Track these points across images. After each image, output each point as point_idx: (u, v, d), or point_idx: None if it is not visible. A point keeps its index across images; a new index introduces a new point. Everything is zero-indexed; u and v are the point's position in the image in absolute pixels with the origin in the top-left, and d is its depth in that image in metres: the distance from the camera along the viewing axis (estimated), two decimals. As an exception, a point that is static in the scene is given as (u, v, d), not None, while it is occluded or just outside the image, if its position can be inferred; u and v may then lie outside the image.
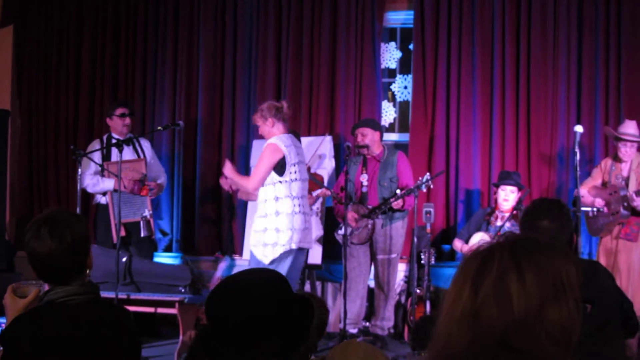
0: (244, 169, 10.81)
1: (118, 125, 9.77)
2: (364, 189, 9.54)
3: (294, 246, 8.21)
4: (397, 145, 10.91)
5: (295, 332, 2.86)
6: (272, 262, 8.21)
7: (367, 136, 9.47)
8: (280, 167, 8.20)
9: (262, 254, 8.27)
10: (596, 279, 4.82)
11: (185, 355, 4.06)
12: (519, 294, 2.07)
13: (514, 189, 9.28)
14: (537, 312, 2.07)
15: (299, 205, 8.30)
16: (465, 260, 2.25)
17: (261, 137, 10.24)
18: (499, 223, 9.24)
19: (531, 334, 2.06)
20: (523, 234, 4.73)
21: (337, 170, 10.30)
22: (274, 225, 8.21)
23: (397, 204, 9.24)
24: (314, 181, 9.44)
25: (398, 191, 9.24)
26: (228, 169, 8.47)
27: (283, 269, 8.11)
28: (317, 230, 9.81)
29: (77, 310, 3.78)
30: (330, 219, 10.13)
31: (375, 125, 9.77)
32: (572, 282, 2.14)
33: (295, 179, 8.29)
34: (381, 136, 9.74)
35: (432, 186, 9.53)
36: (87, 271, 3.90)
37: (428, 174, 9.36)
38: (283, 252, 8.18)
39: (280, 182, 8.23)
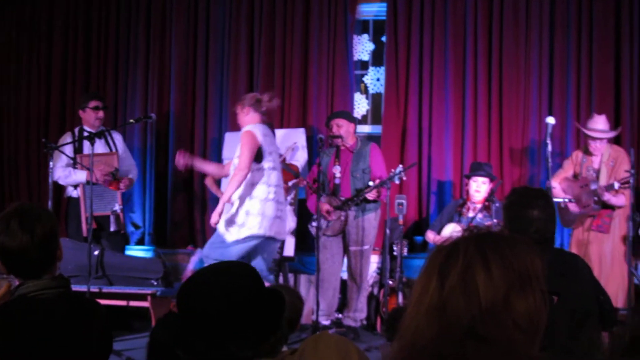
0: (217, 161, 10.82)
1: (91, 118, 9.72)
2: (337, 181, 9.52)
3: (260, 232, 8.28)
4: (370, 137, 10.91)
5: (266, 324, 2.86)
6: (234, 242, 8.29)
7: (342, 127, 9.48)
8: (258, 154, 8.29)
9: (225, 230, 8.35)
10: (576, 272, 4.84)
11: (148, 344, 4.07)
12: (485, 284, 2.11)
13: (486, 180, 9.32)
14: (503, 302, 2.10)
15: (274, 193, 8.39)
16: (431, 253, 2.28)
17: (233, 130, 10.34)
18: (470, 214, 9.27)
19: (498, 324, 2.09)
20: (510, 224, 4.73)
21: (310, 162, 10.30)
22: (246, 208, 8.31)
23: (370, 195, 9.26)
24: (289, 171, 9.48)
25: (371, 183, 9.26)
26: (215, 219, 8.53)
27: (240, 251, 8.28)
28: (290, 222, 9.83)
29: (49, 304, 3.78)
30: (304, 211, 10.14)
31: (350, 117, 9.80)
32: (538, 272, 2.18)
33: (273, 168, 8.42)
34: (355, 128, 9.74)
35: (404, 178, 9.53)
36: (57, 264, 3.89)
37: (401, 166, 9.40)
38: (247, 236, 8.25)
39: (258, 169, 8.32)
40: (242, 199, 8.35)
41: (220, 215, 8.44)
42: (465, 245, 2.19)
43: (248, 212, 8.30)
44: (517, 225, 4.60)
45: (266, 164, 8.39)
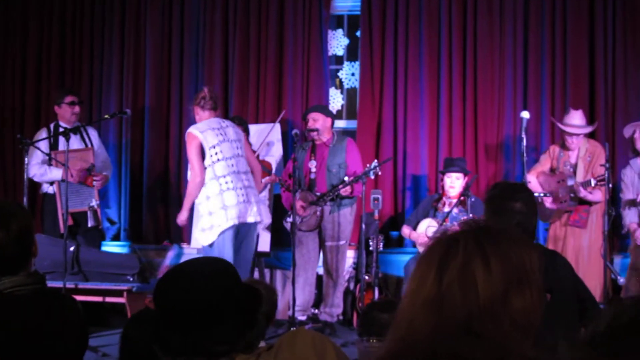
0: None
1: (67, 114, 9.69)
2: (312, 175, 9.52)
3: (230, 223, 8.33)
4: (345, 132, 10.95)
5: (242, 320, 2.86)
6: (213, 245, 8.36)
7: (318, 121, 9.47)
8: (201, 153, 8.40)
9: (203, 240, 8.45)
10: (554, 269, 4.84)
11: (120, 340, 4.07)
12: (484, 280, 2.09)
13: (460, 175, 9.33)
14: (501, 299, 2.09)
15: (227, 182, 8.43)
16: (429, 246, 2.25)
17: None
18: (446, 209, 9.29)
19: (495, 320, 2.08)
20: (492, 216, 4.71)
21: (285, 157, 10.30)
22: (207, 210, 8.39)
23: (345, 190, 9.25)
24: (262, 169, 9.44)
25: (346, 178, 9.26)
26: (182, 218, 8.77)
27: (228, 250, 8.32)
28: (265, 217, 9.82)
29: (25, 301, 3.77)
30: (279, 207, 10.14)
31: (327, 111, 9.81)
32: (535, 269, 2.16)
33: (218, 160, 8.45)
34: (332, 123, 9.74)
35: (379, 173, 9.52)
36: (32, 260, 3.88)
37: (376, 161, 9.39)
38: (221, 233, 8.30)
39: (205, 167, 8.41)
40: (202, 203, 8.48)
41: (186, 216, 8.72)
42: (465, 240, 2.17)
43: (210, 212, 8.39)
44: (499, 218, 4.58)
45: (208, 160, 8.45)
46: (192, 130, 8.52)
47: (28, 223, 3.82)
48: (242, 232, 8.56)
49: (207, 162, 8.42)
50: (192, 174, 8.56)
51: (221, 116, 9.92)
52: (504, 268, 2.11)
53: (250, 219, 8.57)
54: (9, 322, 3.68)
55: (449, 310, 2.09)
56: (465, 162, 9.70)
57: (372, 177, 9.37)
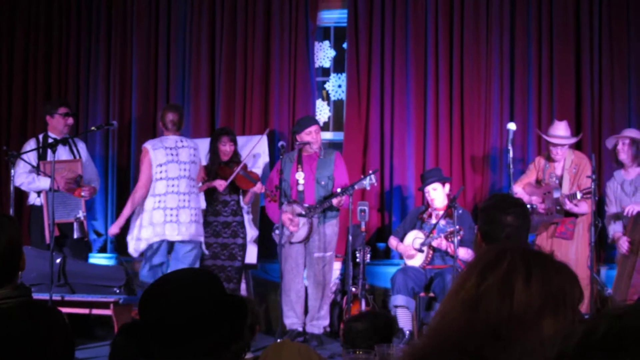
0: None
1: (59, 124, 9.70)
2: (300, 187, 9.52)
3: (156, 239, 8.94)
4: (332, 144, 10.98)
5: (227, 332, 2.87)
6: (142, 256, 9.14)
7: (312, 134, 9.46)
8: (151, 168, 9.04)
9: (131, 248, 9.14)
10: None
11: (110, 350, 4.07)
12: (521, 291, 2.16)
13: (436, 185, 9.38)
14: (535, 314, 2.15)
15: (160, 201, 9.00)
16: (478, 254, 2.42)
17: (195, 136, 10.43)
18: (433, 221, 9.31)
19: (524, 332, 2.13)
20: (484, 226, 4.75)
21: (270, 168, 10.30)
22: (139, 222, 9.07)
23: (338, 202, 9.28)
24: (249, 179, 9.47)
25: (339, 189, 9.27)
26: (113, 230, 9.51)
27: (155, 261, 9.04)
28: (251, 230, 9.86)
29: (11, 313, 3.77)
30: (266, 219, 10.13)
31: (318, 123, 9.83)
32: (574, 301, 2.23)
33: (160, 178, 9.03)
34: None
35: (375, 184, 9.59)
36: (20, 273, 3.89)
37: (371, 172, 9.42)
38: (148, 246, 8.98)
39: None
40: (138, 215, 9.12)
41: (120, 227, 9.34)
42: (512, 254, 2.24)
43: (141, 225, 9.03)
44: (491, 228, 4.62)
45: (154, 175, 9.08)
46: (147, 145, 9.22)
47: (17, 237, 3.83)
48: (176, 249, 9.12)
49: (153, 177, 9.04)
50: (136, 186, 9.20)
51: (205, 129, 10.10)
52: (543, 287, 2.18)
53: (177, 238, 9.01)
54: (-5, 335, 3.68)
55: (483, 312, 2.16)
56: (441, 170, 9.71)
57: (368, 188, 9.45)
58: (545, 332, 2.13)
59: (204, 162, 9.75)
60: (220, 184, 9.37)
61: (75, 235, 9.48)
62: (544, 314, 2.15)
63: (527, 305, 2.15)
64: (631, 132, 9.01)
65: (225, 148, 9.51)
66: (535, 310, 2.15)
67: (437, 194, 9.36)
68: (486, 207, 4.85)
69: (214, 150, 9.54)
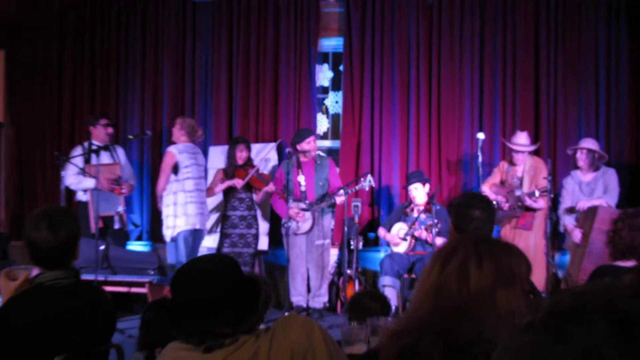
0: (204, 171, 10.83)
1: (101, 134, 9.74)
2: (302, 188, 9.55)
3: (189, 227, 9.23)
4: (330, 151, 10.96)
5: (244, 307, 2.88)
6: (172, 240, 9.32)
7: (311, 144, 9.50)
8: (175, 168, 9.26)
9: (167, 235, 9.36)
10: None
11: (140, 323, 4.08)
12: (475, 275, 2.25)
13: (417, 184, 9.43)
14: (489, 291, 2.23)
15: (192, 196, 9.30)
16: (438, 248, 2.50)
17: (216, 144, 10.39)
18: (415, 215, 9.32)
19: (481, 307, 2.21)
20: (455, 220, 4.77)
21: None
22: (173, 213, 9.26)
23: (340, 199, 9.39)
24: (262, 180, 9.50)
25: (342, 191, 9.32)
26: None
27: (185, 245, 9.23)
28: (263, 223, 9.89)
29: (63, 291, 3.78)
30: (274, 214, 10.14)
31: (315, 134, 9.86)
32: (522, 275, 2.31)
33: (188, 177, 9.32)
34: None
35: (374, 185, 9.68)
36: (73, 261, 3.91)
37: (370, 175, 9.46)
38: (179, 232, 9.21)
39: (176, 180, 9.31)
40: (169, 207, 9.34)
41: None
42: (465, 245, 2.33)
43: (176, 216, 9.26)
44: (461, 221, 4.63)
45: (181, 176, 9.30)
46: (172, 149, 9.42)
47: (75, 232, 3.85)
48: (196, 236, 9.37)
49: (180, 177, 9.28)
50: (157, 184, 9.55)
51: (224, 138, 10.18)
52: (494, 268, 2.26)
53: (202, 227, 9.47)
54: (50, 309, 3.70)
55: (446, 295, 2.25)
56: (422, 172, 9.73)
57: (367, 189, 9.53)
58: (500, 302, 2.21)
59: (222, 166, 9.79)
60: (239, 182, 9.41)
61: (116, 226, 9.53)
62: (497, 288, 2.23)
63: (482, 284, 2.23)
64: (588, 143, 9.05)
65: (242, 154, 9.53)
66: (489, 288, 2.23)
67: (418, 192, 9.39)
68: (457, 203, 4.86)
69: (231, 155, 9.55)
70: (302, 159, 9.58)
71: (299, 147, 9.48)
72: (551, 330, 0.87)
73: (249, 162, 9.62)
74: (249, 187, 9.53)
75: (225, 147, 10.23)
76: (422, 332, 2.19)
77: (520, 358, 0.88)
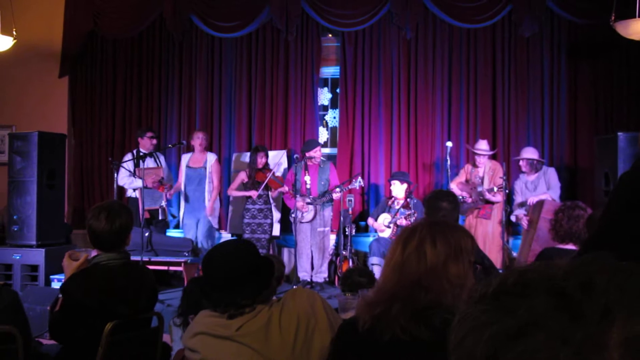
0: (227, 173, 10.83)
1: (147, 143, 9.82)
2: (308, 186, 9.58)
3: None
4: (329, 156, 10.94)
5: (261, 282, 2.88)
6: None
7: (318, 152, 9.57)
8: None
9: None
10: None
11: (182, 294, 4.06)
12: (431, 252, 2.26)
13: (395, 181, 9.44)
14: (442, 265, 2.24)
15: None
16: (400, 232, 2.46)
17: (239, 151, 10.40)
18: (396, 207, 9.33)
19: (436, 279, 2.22)
20: (427, 210, 4.83)
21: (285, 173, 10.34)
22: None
23: (337, 195, 9.41)
24: (278, 182, 9.55)
25: (338, 189, 9.35)
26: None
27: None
28: (276, 213, 9.90)
29: (115, 270, 3.79)
30: (285, 207, 10.17)
31: (319, 144, 9.89)
32: (469, 249, 2.32)
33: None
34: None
35: (363, 185, 9.68)
36: (125, 246, 3.92)
37: (360, 177, 9.52)
38: None
39: None
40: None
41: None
42: (422, 227, 2.34)
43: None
44: (432, 211, 4.68)
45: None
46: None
47: (128, 223, 3.87)
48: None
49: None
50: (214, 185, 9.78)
51: (244, 146, 10.27)
52: (445, 246, 2.27)
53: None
54: (105, 284, 3.70)
55: (407, 271, 2.25)
56: (405, 174, 9.72)
57: (357, 188, 9.56)
58: (452, 273, 2.23)
59: (243, 168, 9.83)
60: (254, 193, 9.53)
61: (160, 217, 9.56)
62: (448, 262, 2.25)
63: (436, 260, 2.24)
64: (527, 153, 9.09)
65: (262, 160, 9.55)
66: (442, 262, 2.24)
67: (396, 188, 9.41)
68: (429, 197, 4.94)
69: (253, 161, 9.56)
70: (309, 163, 9.59)
71: (307, 154, 9.51)
72: (500, 302, 0.86)
73: (266, 166, 9.64)
74: (266, 186, 9.54)
75: (245, 154, 10.26)
76: (390, 303, 2.19)
77: (474, 324, 0.87)
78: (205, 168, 9.82)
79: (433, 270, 2.22)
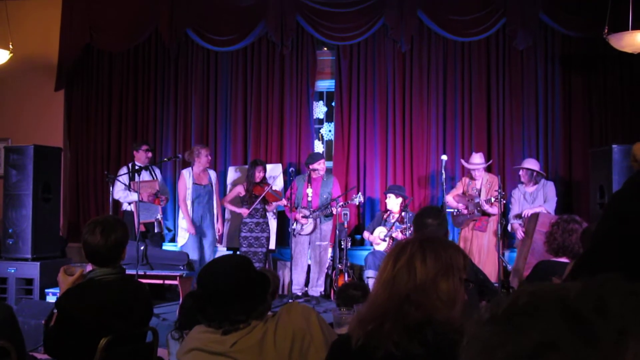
0: (223, 187, 10.82)
1: (142, 157, 9.79)
2: (309, 198, 9.63)
3: None
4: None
5: (256, 297, 2.87)
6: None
7: (321, 164, 9.64)
8: None
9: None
10: None
11: (179, 309, 4.06)
12: (420, 269, 2.24)
13: (391, 195, 9.48)
14: (432, 281, 2.22)
15: None
16: (391, 247, 2.44)
17: (234, 164, 10.41)
18: (392, 220, 9.33)
19: (427, 294, 2.21)
20: (415, 228, 4.89)
21: (285, 186, 10.32)
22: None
23: (335, 210, 9.44)
24: (275, 195, 9.57)
25: (336, 204, 9.39)
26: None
27: None
28: (273, 226, 9.90)
29: (110, 285, 3.79)
30: (281, 219, 10.18)
31: (323, 157, 9.92)
32: (460, 266, 2.29)
33: None
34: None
35: (362, 201, 9.67)
36: (120, 261, 3.91)
37: (360, 193, 9.56)
38: None
39: None
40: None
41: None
42: (412, 243, 2.32)
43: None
44: (419, 228, 4.78)
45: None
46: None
47: (124, 238, 3.87)
48: None
49: None
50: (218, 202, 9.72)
51: (240, 160, 10.27)
52: (436, 262, 2.25)
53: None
54: (100, 299, 3.69)
55: (398, 286, 2.24)
56: (401, 188, 9.75)
57: (357, 204, 9.60)
58: (442, 290, 2.21)
59: (238, 181, 9.85)
60: (244, 212, 9.56)
61: (156, 230, 9.58)
62: (438, 278, 2.23)
63: (426, 276, 2.22)
64: (528, 164, 9.13)
65: (259, 174, 9.54)
66: (432, 278, 2.22)
67: (391, 202, 9.44)
68: (416, 215, 5.03)
69: (251, 174, 9.55)
70: (313, 175, 9.63)
71: (311, 166, 9.58)
72: (511, 324, 0.86)
73: (264, 180, 9.63)
74: (263, 200, 9.54)
75: (241, 167, 10.26)
76: (382, 319, 2.18)
77: (485, 345, 0.86)
78: (212, 184, 9.80)
79: (423, 286, 2.21)
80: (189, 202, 9.65)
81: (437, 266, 2.25)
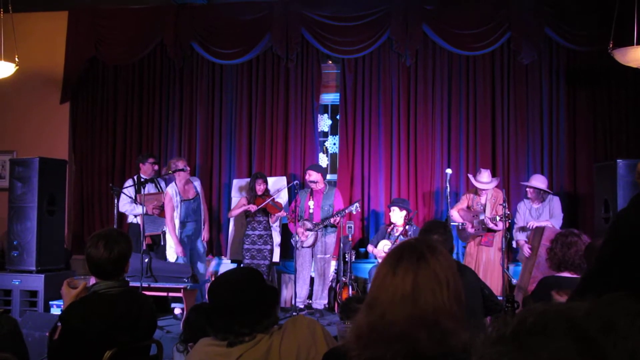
0: (227, 199, 10.82)
1: (148, 169, 9.81)
2: (311, 211, 9.66)
3: None
4: (329, 183, 10.95)
5: (261, 310, 2.87)
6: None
7: (312, 176, 9.59)
8: None
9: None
10: (463, 275, 4.86)
11: (184, 321, 4.04)
12: (411, 284, 2.07)
13: (395, 208, 9.49)
14: (424, 298, 2.05)
15: None
16: (387, 254, 2.25)
17: (239, 177, 10.41)
18: (396, 233, 9.32)
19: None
20: None
21: (289, 199, 10.33)
22: None
23: (335, 221, 9.50)
24: (276, 207, 9.55)
25: (335, 213, 9.40)
26: None
27: None
28: (276, 239, 9.89)
29: (114, 298, 3.78)
30: (285, 232, 10.17)
31: (318, 168, 9.88)
32: (449, 279, 2.12)
33: None
34: (324, 176, 9.83)
35: (359, 210, 9.67)
36: (124, 274, 3.91)
37: (357, 202, 9.53)
38: None
39: None
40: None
41: None
42: (408, 255, 2.16)
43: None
44: None
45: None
46: None
47: (127, 251, 3.86)
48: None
49: None
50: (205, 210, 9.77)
51: (245, 172, 10.28)
52: (427, 278, 2.09)
53: None
54: (104, 313, 3.68)
55: (423, 305, 2.03)
56: (405, 201, 9.76)
57: (354, 212, 9.57)
58: (432, 305, 2.03)
59: (243, 194, 9.86)
60: (252, 207, 9.49)
61: (162, 242, 9.57)
62: (429, 294, 2.04)
63: (417, 293, 2.06)
64: (535, 181, 9.13)
65: (261, 187, 9.54)
66: (424, 294, 2.05)
67: (395, 215, 9.44)
68: (422, 230, 4.97)
69: (252, 187, 9.56)
70: (314, 188, 9.71)
71: (306, 176, 9.76)
72: (520, 343, 0.85)
73: (266, 193, 9.64)
74: (265, 212, 9.55)
75: (245, 180, 10.28)
76: (386, 345, 2.00)
77: None
78: (199, 194, 9.72)
79: (421, 314, 2.02)
80: (177, 222, 9.42)
81: (428, 281, 2.08)
